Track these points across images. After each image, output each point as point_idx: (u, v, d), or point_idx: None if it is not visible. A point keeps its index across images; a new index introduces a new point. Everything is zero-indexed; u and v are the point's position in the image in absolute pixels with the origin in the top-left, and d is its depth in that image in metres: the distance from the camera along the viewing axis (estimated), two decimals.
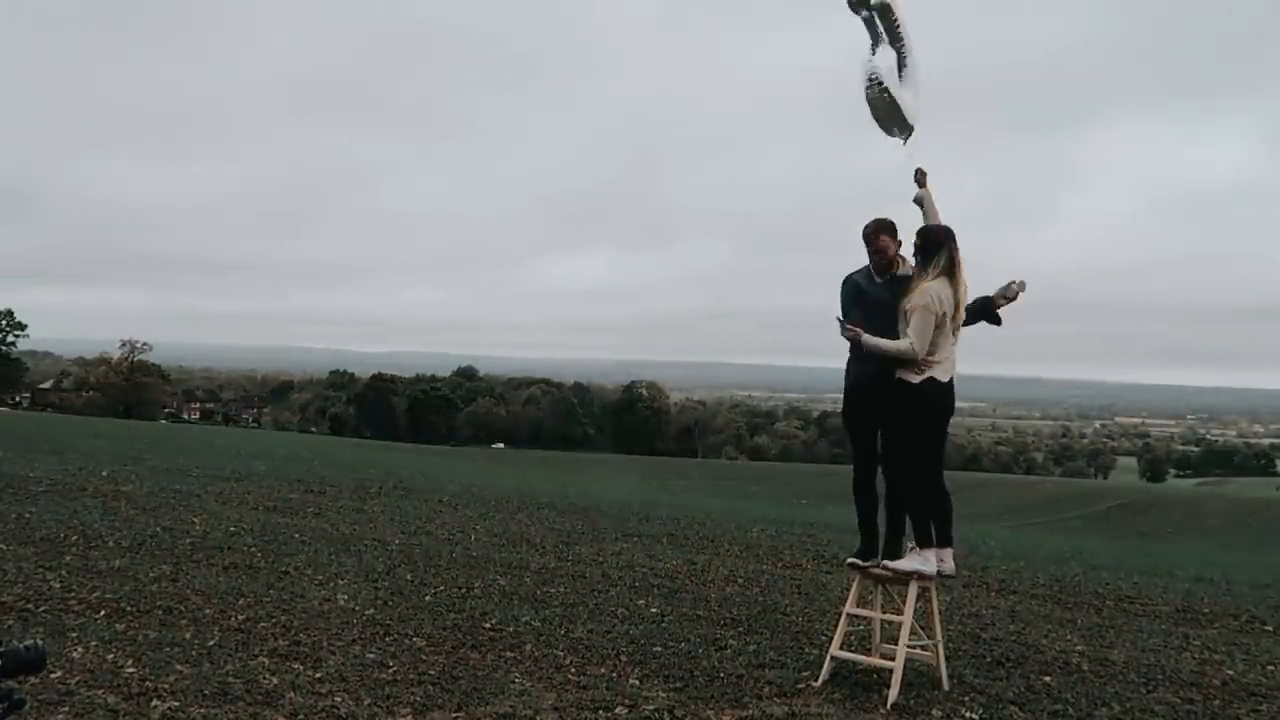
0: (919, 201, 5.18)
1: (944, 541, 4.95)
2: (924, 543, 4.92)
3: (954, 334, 4.88)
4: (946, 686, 4.95)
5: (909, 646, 4.84)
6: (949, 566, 4.98)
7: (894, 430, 4.96)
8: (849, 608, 5.09)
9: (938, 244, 4.88)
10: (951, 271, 4.83)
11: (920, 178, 5.19)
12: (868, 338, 4.90)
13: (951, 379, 4.89)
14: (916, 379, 4.80)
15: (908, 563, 4.92)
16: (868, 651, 5.23)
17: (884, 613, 5.19)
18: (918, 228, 5.01)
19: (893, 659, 4.81)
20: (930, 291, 4.76)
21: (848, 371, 5.22)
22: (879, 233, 5.09)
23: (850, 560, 5.23)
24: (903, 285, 5.01)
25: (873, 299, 5.08)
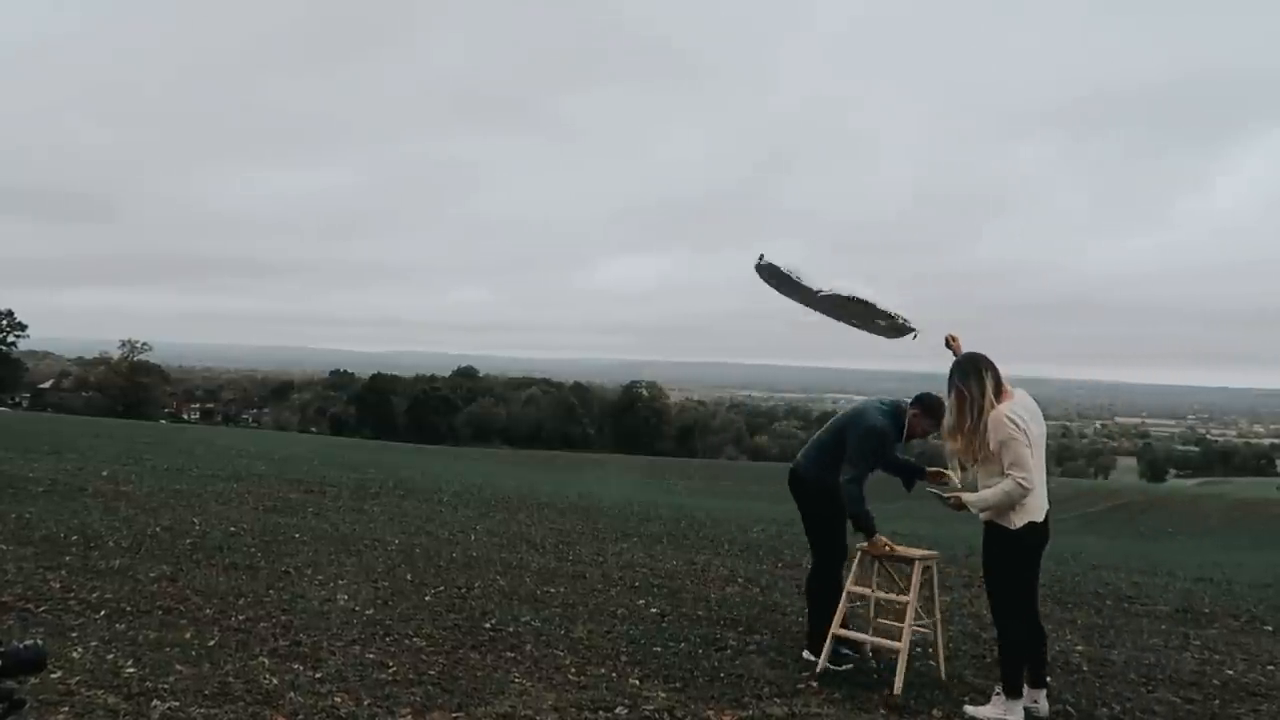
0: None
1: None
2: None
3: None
4: (944, 676, 4.98)
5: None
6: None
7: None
8: (849, 586, 5.12)
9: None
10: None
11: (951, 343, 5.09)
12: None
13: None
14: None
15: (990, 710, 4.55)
16: (866, 630, 5.26)
17: (885, 592, 5.25)
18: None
19: (890, 635, 4.86)
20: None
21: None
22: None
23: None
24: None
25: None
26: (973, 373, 4.52)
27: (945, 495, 4.74)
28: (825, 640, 5.08)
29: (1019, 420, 4.42)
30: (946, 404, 4.65)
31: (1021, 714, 4.53)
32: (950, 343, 5.09)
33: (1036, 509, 4.48)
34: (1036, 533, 4.51)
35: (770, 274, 5.34)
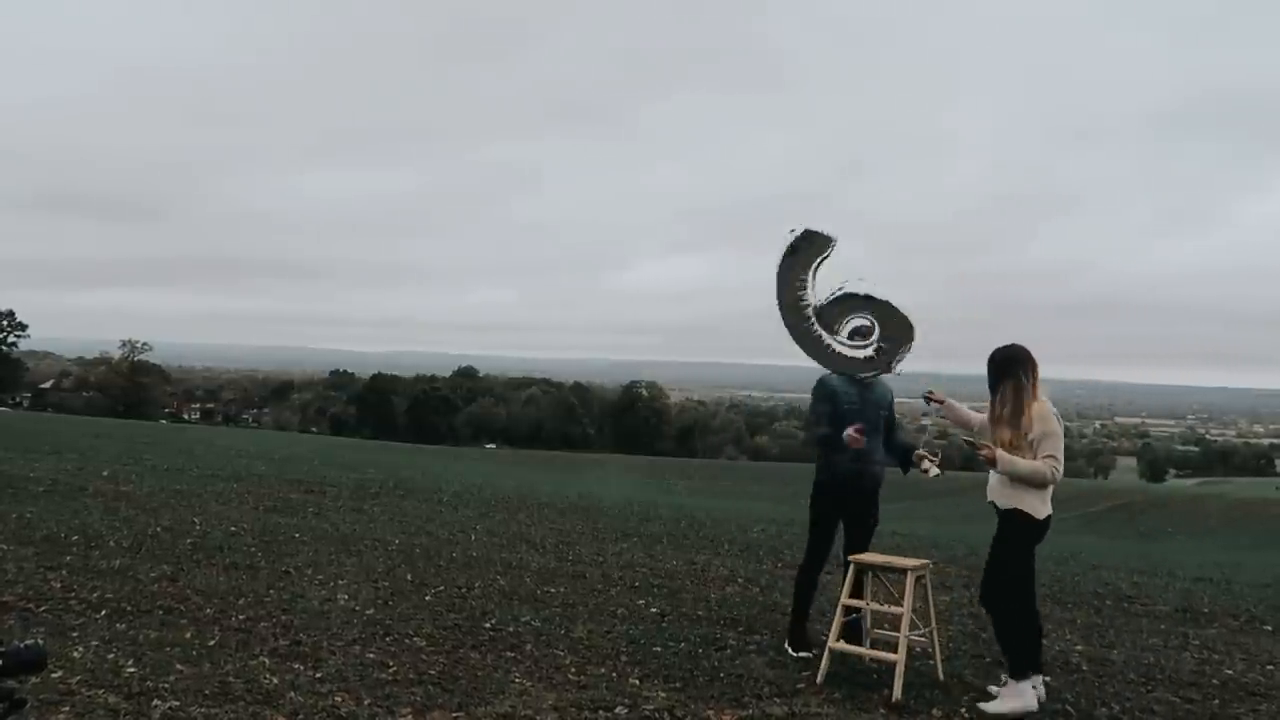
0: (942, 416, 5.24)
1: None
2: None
3: None
4: (942, 676, 4.98)
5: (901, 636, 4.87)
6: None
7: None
8: (844, 599, 5.11)
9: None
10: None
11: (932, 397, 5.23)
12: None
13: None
14: None
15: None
16: (860, 642, 5.25)
17: (880, 603, 5.24)
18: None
19: (886, 644, 4.84)
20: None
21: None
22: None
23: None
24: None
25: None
26: (1028, 362, 4.71)
27: (979, 445, 4.74)
28: (797, 634, 5.49)
29: (1058, 416, 4.69)
30: (999, 395, 4.73)
31: (1032, 693, 4.59)
32: (929, 398, 5.24)
33: (1051, 502, 4.74)
34: (1049, 524, 4.76)
35: (799, 243, 5.37)
